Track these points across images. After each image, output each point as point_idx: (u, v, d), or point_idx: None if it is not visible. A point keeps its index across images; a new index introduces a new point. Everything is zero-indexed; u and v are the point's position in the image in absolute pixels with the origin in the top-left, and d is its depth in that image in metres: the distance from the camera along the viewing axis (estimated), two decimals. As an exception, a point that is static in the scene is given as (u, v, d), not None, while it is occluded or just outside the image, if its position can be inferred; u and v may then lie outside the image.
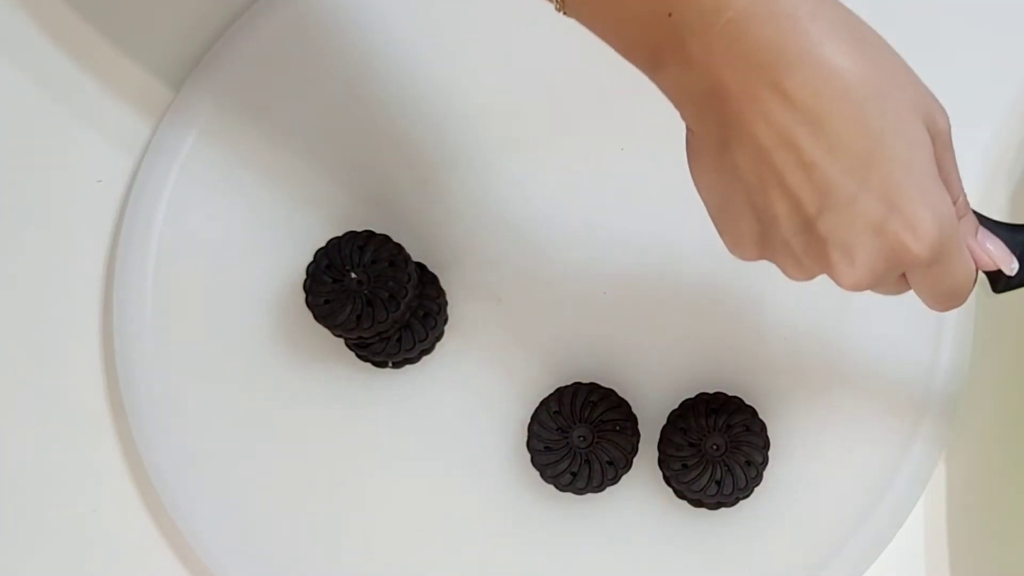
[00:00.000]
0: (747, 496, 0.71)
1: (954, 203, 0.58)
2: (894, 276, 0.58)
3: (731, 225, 0.58)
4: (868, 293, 0.74)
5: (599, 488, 0.71)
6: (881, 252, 0.56)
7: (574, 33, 0.78)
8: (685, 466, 0.70)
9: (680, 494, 0.72)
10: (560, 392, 0.72)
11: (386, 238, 0.72)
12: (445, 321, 0.74)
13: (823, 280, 0.74)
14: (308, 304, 0.71)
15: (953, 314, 0.73)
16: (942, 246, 0.56)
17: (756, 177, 0.55)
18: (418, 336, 0.72)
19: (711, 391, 0.72)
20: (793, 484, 0.72)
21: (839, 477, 0.72)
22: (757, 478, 0.71)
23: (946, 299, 0.59)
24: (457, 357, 0.74)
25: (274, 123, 0.77)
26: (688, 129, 0.57)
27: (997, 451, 0.74)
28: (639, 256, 0.75)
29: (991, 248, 0.60)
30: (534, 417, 0.72)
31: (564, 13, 0.57)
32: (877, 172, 0.54)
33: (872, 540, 0.72)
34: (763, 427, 0.71)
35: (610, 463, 0.71)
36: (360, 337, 0.72)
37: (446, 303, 0.74)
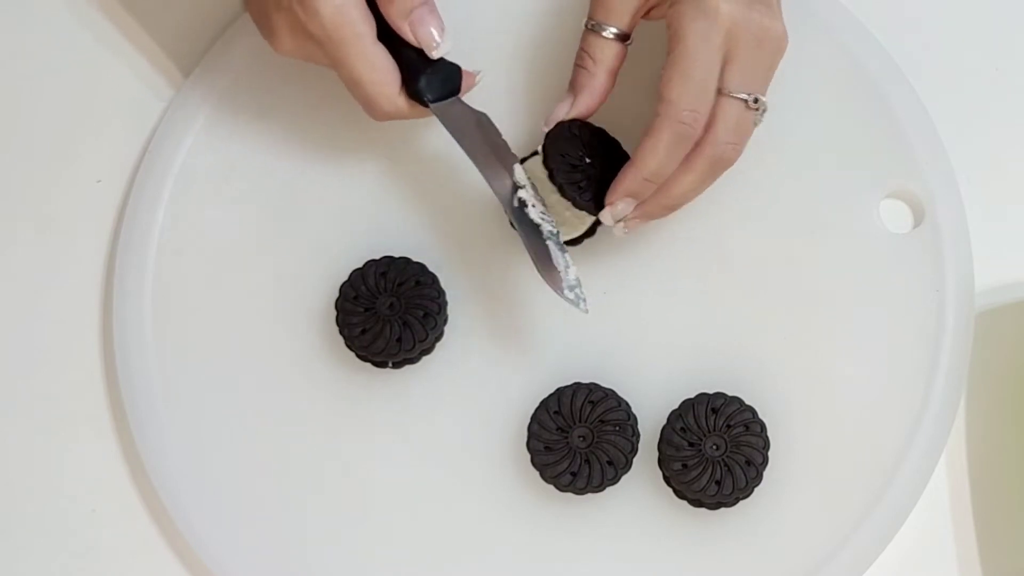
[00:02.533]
0: (747, 496, 0.71)
1: None
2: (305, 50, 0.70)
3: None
4: (868, 294, 0.74)
5: (599, 488, 0.71)
6: (286, 21, 0.69)
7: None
8: (685, 466, 0.70)
9: (680, 494, 0.72)
10: (560, 392, 0.72)
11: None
12: (445, 321, 0.74)
13: (825, 282, 0.74)
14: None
15: (953, 315, 0.73)
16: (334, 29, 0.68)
17: None
18: (418, 336, 0.72)
19: (711, 391, 0.72)
20: (793, 484, 0.72)
21: (839, 477, 0.72)
22: (757, 478, 0.70)
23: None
24: (457, 357, 0.74)
25: (273, 123, 0.77)
26: None
27: (997, 451, 0.74)
28: (639, 256, 0.75)
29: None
30: (534, 417, 0.72)
31: None
32: None
33: (872, 540, 0.71)
34: (763, 427, 0.71)
35: (610, 463, 0.71)
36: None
37: (446, 303, 0.74)
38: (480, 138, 0.71)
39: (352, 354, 0.74)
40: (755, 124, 0.69)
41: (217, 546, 0.73)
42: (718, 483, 0.70)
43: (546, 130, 0.71)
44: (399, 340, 0.72)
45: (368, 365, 0.74)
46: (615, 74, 0.71)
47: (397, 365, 0.74)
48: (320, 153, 0.77)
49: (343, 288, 0.73)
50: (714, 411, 0.71)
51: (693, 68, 0.66)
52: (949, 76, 0.78)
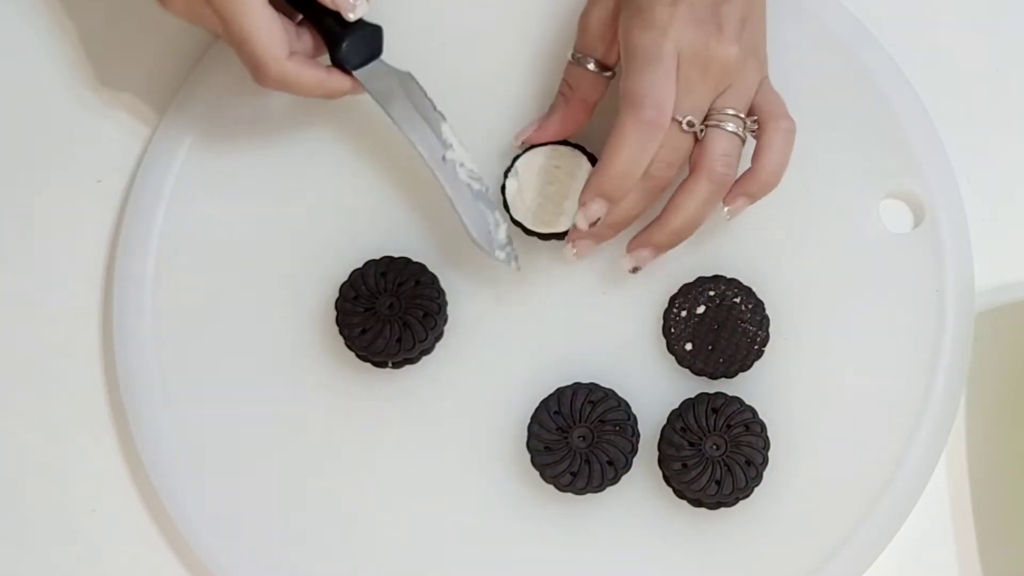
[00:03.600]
0: (747, 496, 0.71)
1: None
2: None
3: None
4: (868, 294, 0.74)
5: (599, 488, 0.71)
6: None
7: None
8: (685, 466, 0.70)
9: (680, 494, 0.72)
10: (560, 392, 0.72)
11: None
12: (445, 321, 0.74)
13: (826, 283, 0.74)
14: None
15: (953, 315, 0.73)
16: None
17: None
18: (418, 336, 0.72)
19: (711, 391, 0.72)
20: (793, 484, 0.72)
21: (839, 477, 0.72)
22: (757, 478, 0.70)
23: None
24: (457, 357, 0.74)
25: (271, 124, 0.77)
26: None
27: (997, 452, 0.74)
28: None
29: None
30: (534, 417, 0.72)
31: None
32: None
33: (872, 540, 0.72)
34: (763, 427, 0.71)
35: (610, 463, 0.71)
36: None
37: (446, 303, 0.74)
38: (404, 99, 0.71)
39: (352, 354, 0.74)
40: (689, 145, 0.69)
41: (217, 546, 0.73)
42: (718, 483, 0.70)
43: (516, 146, 0.73)
44: (399, 340, 0.72)
45: (368, 365, 0.74)
46: (591, 105, 0.72)
47: (397, 365, 0.74)
48: (320, 153, 0.77)
49: (343, 288, 0.73)
50: (714, 411, 0.71)
51: (648, 64, 0.67)
52: (949, 76, 0.78)
